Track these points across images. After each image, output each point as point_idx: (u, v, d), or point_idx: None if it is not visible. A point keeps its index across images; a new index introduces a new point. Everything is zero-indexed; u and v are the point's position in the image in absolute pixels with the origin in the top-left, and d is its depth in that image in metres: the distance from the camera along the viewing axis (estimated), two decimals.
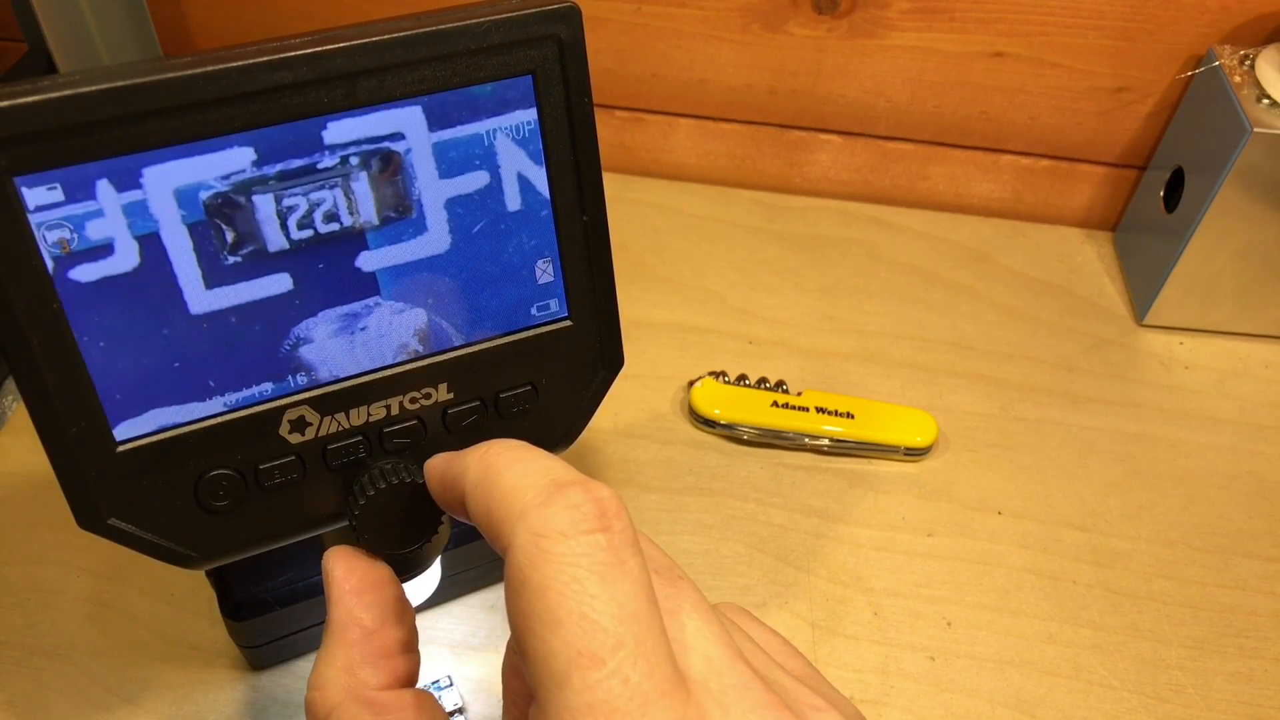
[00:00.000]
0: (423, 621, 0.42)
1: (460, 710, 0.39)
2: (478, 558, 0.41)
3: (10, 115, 0.23)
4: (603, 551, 0.21)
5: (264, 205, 0.27)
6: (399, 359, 0.30)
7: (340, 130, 0.27)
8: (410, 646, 0.28)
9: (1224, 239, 0.53)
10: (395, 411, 0.31)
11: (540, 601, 0.20)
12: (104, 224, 0.25)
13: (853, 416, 0.49)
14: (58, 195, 0.25)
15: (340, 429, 0.30)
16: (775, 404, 0.50)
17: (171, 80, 0.25)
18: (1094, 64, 0.58)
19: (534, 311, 0.32)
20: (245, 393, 0.29)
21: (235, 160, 0.26)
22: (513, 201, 0.30)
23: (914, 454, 0.49)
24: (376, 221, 0.28)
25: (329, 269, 0.28)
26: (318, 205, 0.27)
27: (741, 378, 0.51)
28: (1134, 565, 0.46)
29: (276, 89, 0.26)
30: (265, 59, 0.25)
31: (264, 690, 0.40)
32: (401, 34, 0.27)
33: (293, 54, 0.26)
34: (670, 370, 0.53)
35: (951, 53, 0.59)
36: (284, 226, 0.27)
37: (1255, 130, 0.49)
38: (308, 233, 0.28)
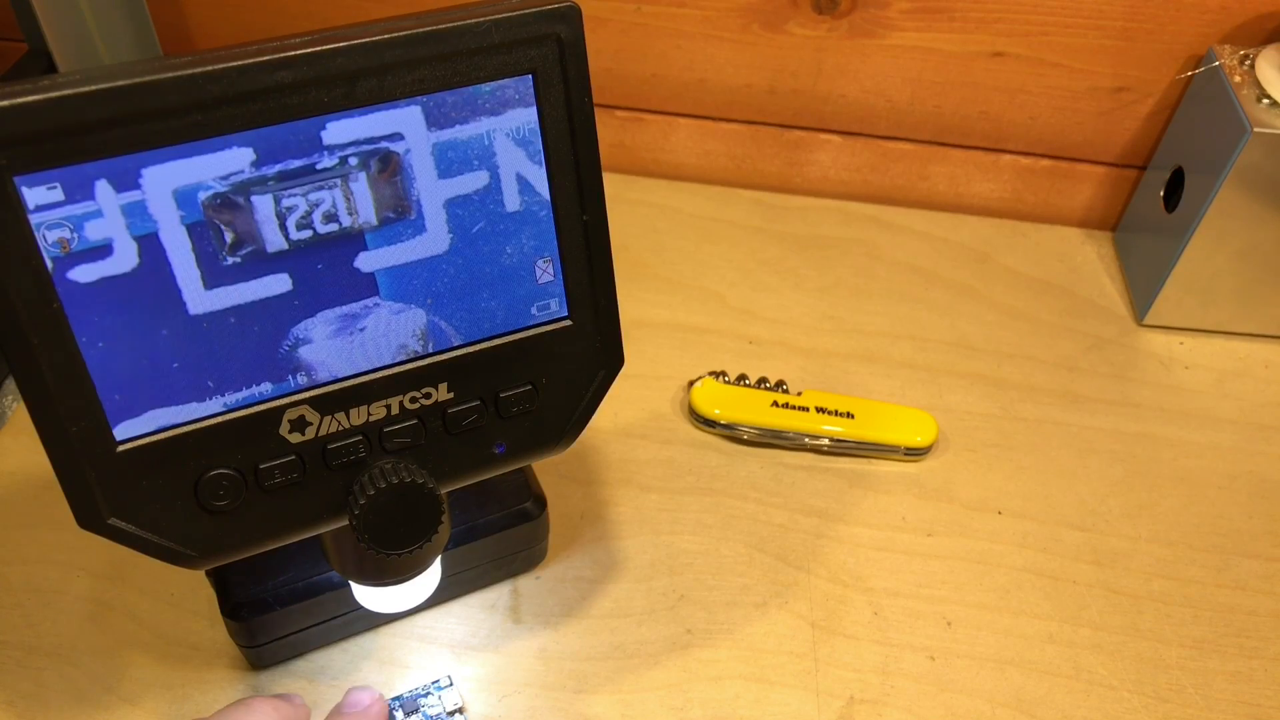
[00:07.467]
0: (423, 621, 0.42)
1: (460, 710, 0.39)
2: (478, 558, 0.41)
3: (10, 115, 0.23)
4: None
5: (263, 206, 0.27)
6: (398, 359, 0.30)
7: (339, 130, 0.27)
8: None
9: (1224, 239, 0.53)
10: (395, 411, 0.31)
11: None
12: (103, 224, 0.25)
13: (853, 416, 0.49)
14: (58, 195, 0.25)
15: (340, 429, 0.30)
16: (775, 404, 0.50)
17: (171, 80, 0.25)
18: (1094, 64, 0.58)
19: (534, 311, 0.32)
20: (245, 393, 0.29)
21: (234, 160, 0.26)
22: (512, 201, 0.30)
23: (914, 454, 0.49)
24: (375, 222, 0.28)
25: (328, 269, 0.28)
26: (317, 206, 0.27)
27: (741, 378, 0.51)
28: (1134, 565, 0.46)
29: (276, 89, 0.26)
30: (265, 59, 0.25)
31: (264, 690, 0.40)
32: (401, 34, 0.27)
33: (292, 54, 0.26)
34: (670, 370, 0.53)
35: (951, 53, 0.59)
36: (283, 227, 0.27)
37: (1255, 130, 0.49)
38: (307, 233, 0.28)
